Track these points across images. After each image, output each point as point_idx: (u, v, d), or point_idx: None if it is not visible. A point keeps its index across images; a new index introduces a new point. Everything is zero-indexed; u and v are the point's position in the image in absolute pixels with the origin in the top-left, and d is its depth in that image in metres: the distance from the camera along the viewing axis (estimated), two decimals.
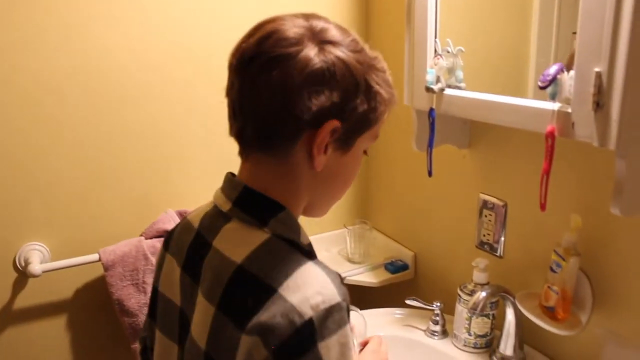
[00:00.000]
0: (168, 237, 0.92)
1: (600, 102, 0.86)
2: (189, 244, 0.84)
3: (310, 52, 0.71)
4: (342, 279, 0.74)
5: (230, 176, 0.82)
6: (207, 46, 1.57)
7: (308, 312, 0.66)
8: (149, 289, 1.49)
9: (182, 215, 1.59)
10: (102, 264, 1.47)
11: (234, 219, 0.78)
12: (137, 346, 1.51)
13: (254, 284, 0.70)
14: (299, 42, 0.72)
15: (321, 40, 0.73)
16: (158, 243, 1.51)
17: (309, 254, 0.76)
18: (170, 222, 1.53)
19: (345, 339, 0.69)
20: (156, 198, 1.59)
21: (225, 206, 0.79)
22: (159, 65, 1.52)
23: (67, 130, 1.45)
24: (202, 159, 1.63)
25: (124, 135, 1.52)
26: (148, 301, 1.48)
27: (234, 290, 0.72)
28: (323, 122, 0.73)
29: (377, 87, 0.77)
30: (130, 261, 1.48)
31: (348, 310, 0.71)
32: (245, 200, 0.78)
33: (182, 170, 1.61)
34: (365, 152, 0.84)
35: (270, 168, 0.77)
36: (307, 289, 0.68)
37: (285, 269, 0.70)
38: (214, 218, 0.81)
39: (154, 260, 1.49)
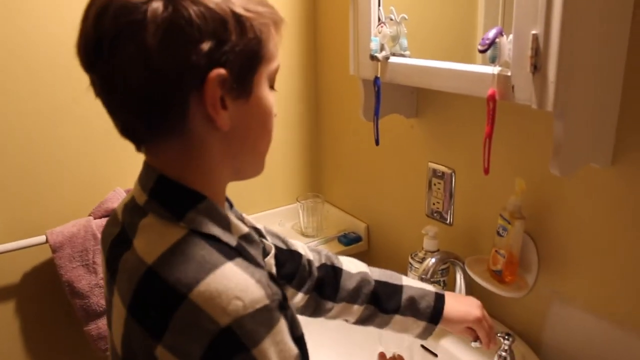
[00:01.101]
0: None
1: (537, 65, 0.87)
2: (112, 238, 0.76)
3: (157, 9, 0.60)
4: (272, 276, 0.69)
5: (146, 163, 0.74)
6: None
7: (225, 320, 0.59)
8: (100, 269, 1.47)
9: None
10: (50, 245, 1.44)
11: (150, 213, 0.70)
12: (90, 329, 1.49)
13: (162, 290, 0.63)
14: (139, 3, 0.61)
15: None
16: None
17: (234, 251, 0.68)
18: (119, 200, 1.51)
19: (280, 337, 0.64)
20: (104, 176, 1.56)
21: (141, 198, 0.72)
22: None
23: (7, 106, 1.40)
24: None
25: (69, 112, 1.48)
26: (99, 282, 1.47)
27: (143, 295, 0.65)
28: (204, 76, 0.63)
29: (248, 14, 0.66)
30: (79, 242, 1.45)
31: (282, 307, 0.66)
32: (161, 191, 0.70)
33: (130, 147, 1.57)
34: (272, 87, 0.74)
35: (176, 151, 0.69)
36: (224, 294, 0.61)
37: (198, 272, 0.62)
38: (133, 212, 0.73)
39: None
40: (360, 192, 1.76)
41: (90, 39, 0.64)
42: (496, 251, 1.18)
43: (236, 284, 0.62)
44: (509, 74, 0.93)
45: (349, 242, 1.73)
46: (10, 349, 1.54)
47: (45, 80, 1.43)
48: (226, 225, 0.71)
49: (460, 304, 1.09)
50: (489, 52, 0.94)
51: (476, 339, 1.10)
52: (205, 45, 0.62)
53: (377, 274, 1.10)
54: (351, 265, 1.10)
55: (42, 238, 1.46)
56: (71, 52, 1.44)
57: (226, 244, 0.68)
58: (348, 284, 1.06)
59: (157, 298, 0.63)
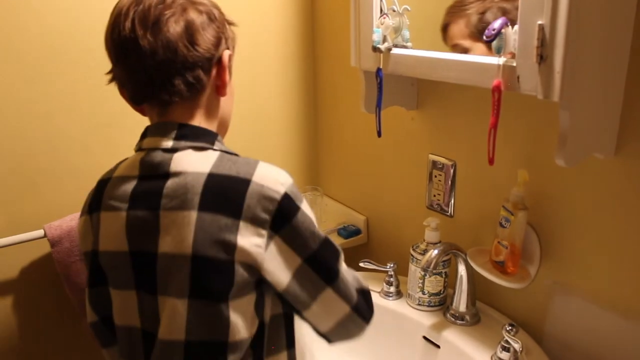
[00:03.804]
0: (91, 202, 0.99)
1: (543, 55, 0.87)
2: (132, 190, 0.91)
3: (189, 8, 0.90)
4: None
5: (155, 124, 0.94)
6: None
7: (281, 189, 0.86)
8: None
9: None
10: (48, 240, 1.43)
11: (180, 149, 0.89)
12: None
13: (230, 182, 0.85)
14: (173, 3, 0.89)
15: None
16: None
17: None
18: None
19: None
20: (102, 170, 1.54)
21: (166, 143, 0.90)
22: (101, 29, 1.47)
23: (3, 100, 1.39)
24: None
25: (66, 105, 1.47)
26: None
27: (213, 191, 0.85)
28: (222, 53, 0.93)
29: (229, 19, 0.98)
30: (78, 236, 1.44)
31: None
32: (186, 133, 0.91)
33: (127, 140, 1.57)
34: None
35: (190, 109, 0.93)
36: (272, 175, 0.87)
37: (248, 167, 0.87)
38: (157, 157, 0.90)
39: None
40: (360, 184, 1.76)
41: (148, 16, 0.87)
42: (498, 242, 1.18)
43: (273, 169, 0.89)
44: (514, 64, 0.93)
45: (349, 234, 1.72)
46: (9, 344, 1.54)
47: (42, 74, 1.42)
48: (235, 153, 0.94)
49: None
50: (494, 42, 0.94)
51: None
52: (221, 30, 0.94)
53: None
54: None
55: (41, 232, 1.45)
56: (69, 43, 1.44)
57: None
58: None
59: (228, 189, 0.85)
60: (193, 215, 0.84)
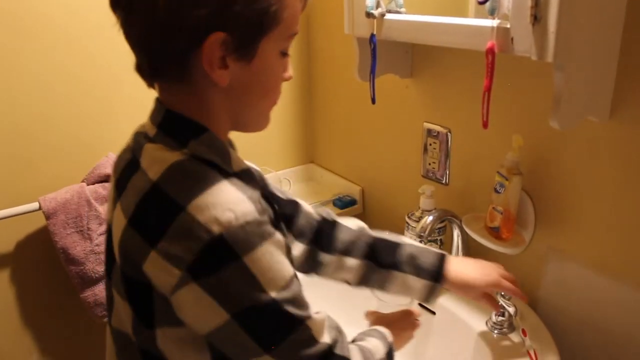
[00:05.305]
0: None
1: (537, 16, 0.86)
2: (125, 163, 0.80)
3: None
4: (267, 196, 0.78)
5: (157, 101, 0.79)
6: None
7: (217, 229, 0.65)
8: (94, 235, 1.46)
9: None
10: (43, 212, 1.43)
11: (157, 143, 0.75)
12: (86, 295, 1.49)
13: (163, 202, 0.69)
14: None
15: None
16: (100, 188, 1.47)
17: (232, 175, 0.74)
18: (112, 166, 1.49)
19: (274, 249, 0.70)
20: (96, 142, 1.54)
21: (152, 132, 0.76)
22: (94, 4, 1.45)
23: None
24: (142, 100, 1.58)
25: (59, 77, 1.45)
26: (94, 248, 1.46)
27: (146, 206, 0.71)
28: (203, 37, 0.68)
29: None
30: (73, 208, 1.44)
31: (275, 226, 0.71)
32: (168, 123, 0.75)
33: (122, 112, 1.56)
34: (285, 53, 0.78)
35: (182, 92, 0.75)
36: (217, 206, 0.66)
37: (196, 188, 0.68)
38: (141, 139, 0.78)
39: (97, 205, 1.46)
40: (355, 155, 1.75)
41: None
42: (493, 208, 1.18)
43: (229, 198, 0.68)
44: (508, 26, 0.92)
45: (344, 205, 1.73)
46: (6, 318, 1.54)
47: (37, 46, 1.40)
48: (226, 157, 0.75)
49: (472, 266, 1.05)
50: (487, 4, 0.93)
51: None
52: (204, 11, 0.66)
53: (376, 233, 1.08)
54: (350, 223, 1.09)
55: (35, 205, 1.44)
56: (66, 14, 1.42)
57: (224, 170, 0.73)
58: (344, 236, 1.05)
59: (157, 209, 0.69)
60: (123, 224, 0.74)
